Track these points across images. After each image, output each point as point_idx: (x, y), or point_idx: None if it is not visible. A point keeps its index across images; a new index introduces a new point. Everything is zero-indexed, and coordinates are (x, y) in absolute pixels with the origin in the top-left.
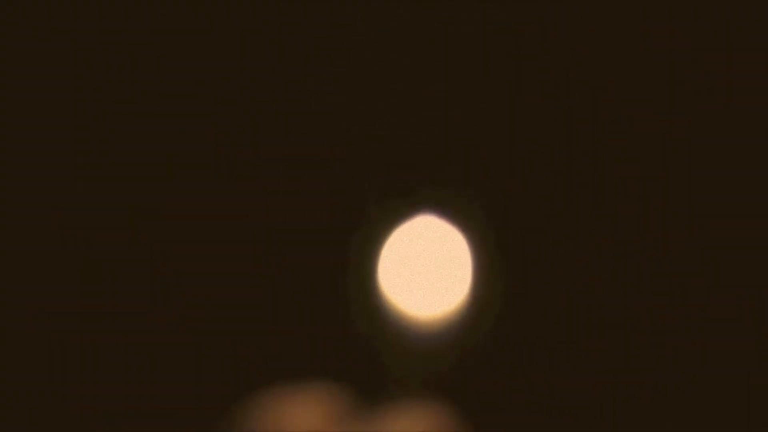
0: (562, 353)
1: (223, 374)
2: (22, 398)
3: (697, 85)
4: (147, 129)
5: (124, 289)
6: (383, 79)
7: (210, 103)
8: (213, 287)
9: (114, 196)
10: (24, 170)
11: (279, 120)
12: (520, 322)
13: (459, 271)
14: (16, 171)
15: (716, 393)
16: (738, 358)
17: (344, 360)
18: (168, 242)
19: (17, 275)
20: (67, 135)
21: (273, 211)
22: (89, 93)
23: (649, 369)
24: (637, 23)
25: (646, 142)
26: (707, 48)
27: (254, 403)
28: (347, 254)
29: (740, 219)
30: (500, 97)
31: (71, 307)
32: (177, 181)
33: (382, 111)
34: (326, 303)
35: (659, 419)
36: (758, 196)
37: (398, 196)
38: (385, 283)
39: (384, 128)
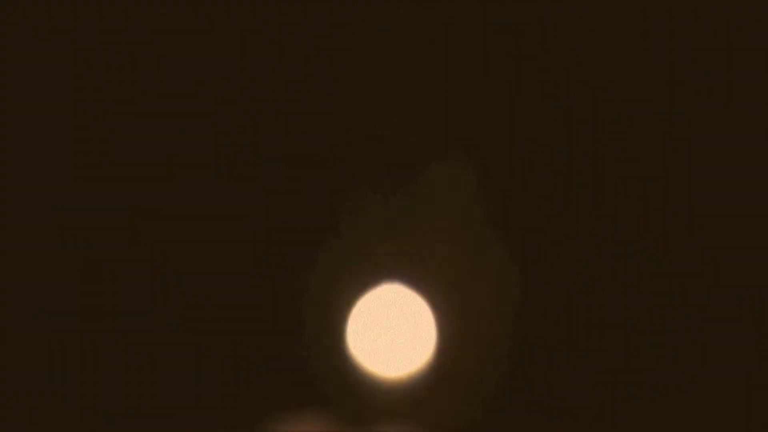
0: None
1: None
2: (23, 398)
3: (697, 85)
4: (147, 129)
5: (106, 291)
6: (383, 79)
7: (210, 103)
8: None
9: (106, 196)
10: (24, 170)
11: (278, 120)
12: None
13: (422, 335)
14: (16, 171)
15: (716, 393)
16: (738, 358)
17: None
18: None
19: (17, 275)
20: (67, 135)
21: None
22: (89, 93)
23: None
24: (637, 23)
25: (645, 146)
26: (707, 48)
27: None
28: (320, 315)
29: (740, 219)
30: (500, 97)
31: (66, 307)
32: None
33: (382, 111)
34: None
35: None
36: (758, 196)
37: (367, 265)
38: (353, 345)
39: (384, 128)
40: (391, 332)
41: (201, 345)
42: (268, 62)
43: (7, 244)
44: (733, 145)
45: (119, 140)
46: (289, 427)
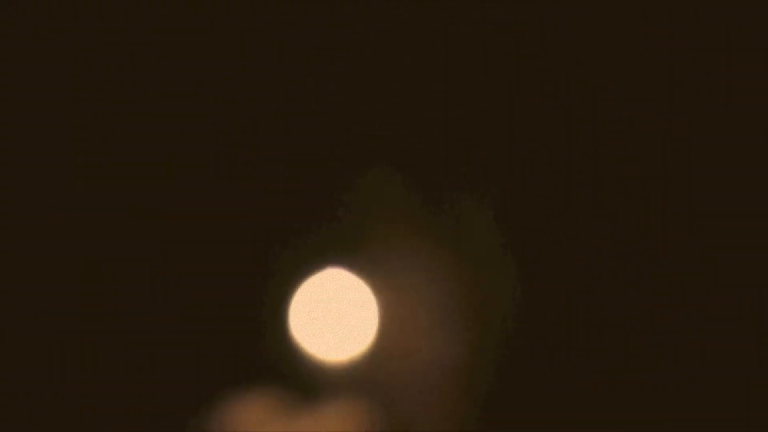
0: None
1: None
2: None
3: (697, 85)
4: (145, 129)
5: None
6: (383, 79)
7: (209, 103)
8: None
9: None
10: (24, 170)
11: (278, 120)
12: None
13: (365, 318)
14: (16, 171)
15: (716, 393)
16: (738, 358)
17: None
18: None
19: (17, 275)
20: (67, 135)
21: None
22: (89, 93)
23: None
24: (637, 23)
25: (645, 146)
26: (707, 48)
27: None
28: (261, 301)
29: (740, 219)
30: (500, 97)
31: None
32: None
33: (382, 111)
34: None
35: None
36: (758, 196)
37: (308, 248)
38: (295, 329)
39: (384, 128)
40: (334, 315)
41: (146, 330)
42: (268, 62)
43: (7, 244)
44: (733, 145)
45: (119, 140)
46: (236, 408)
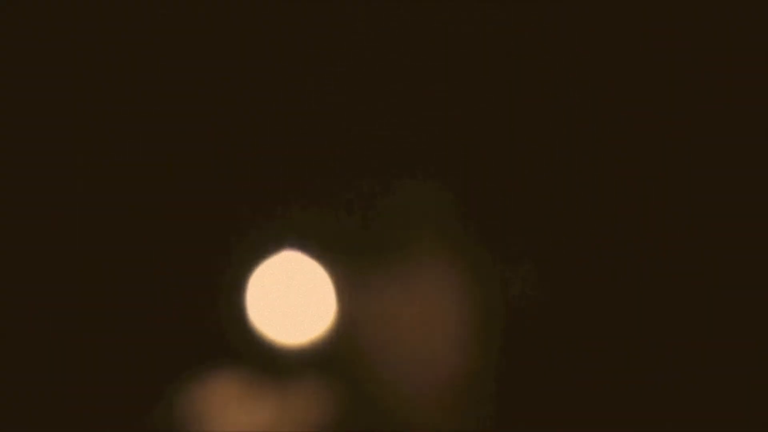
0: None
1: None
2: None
3: (697, 85)
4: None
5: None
6: (383, 79)
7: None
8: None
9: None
10: (24, 170)
11: (271, 120)
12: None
13: (322, 302)
14: (16, 171)
15: (716, 393)
16: (738, 358)
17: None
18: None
19: (17, 275)
20: (67, 135)
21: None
22: (89, 93)
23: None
24: (637, 23)
25: (645, 146)
26: (707, 48)
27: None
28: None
29: (740, 219)
30: (498, 97)
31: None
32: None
33: (382, 111)
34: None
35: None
36: (758, 196)
37: (264, 231)
38: (253, 312)
39: (384, 128)
40: (291, 298)
41: (108, 317)
42: (268, 62)
43: (7, 244)
44: (733, 145)
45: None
46: (199, 392)
